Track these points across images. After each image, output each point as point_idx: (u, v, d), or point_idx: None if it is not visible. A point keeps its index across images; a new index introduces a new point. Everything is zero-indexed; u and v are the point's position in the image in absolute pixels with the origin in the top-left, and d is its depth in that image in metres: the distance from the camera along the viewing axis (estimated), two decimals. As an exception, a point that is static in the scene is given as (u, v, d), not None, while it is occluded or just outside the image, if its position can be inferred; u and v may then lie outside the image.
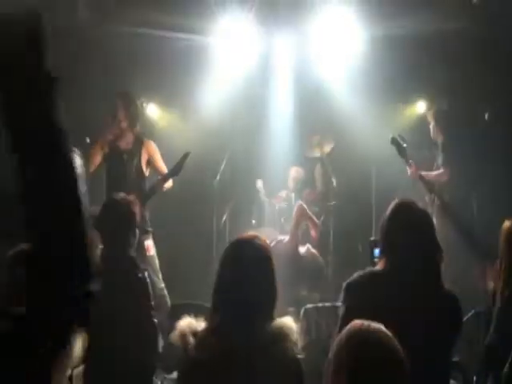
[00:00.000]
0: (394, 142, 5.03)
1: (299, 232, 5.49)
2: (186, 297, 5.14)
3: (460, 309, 2.33)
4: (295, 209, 5.60)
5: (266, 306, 1.99)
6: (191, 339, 1.92)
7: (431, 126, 5.71)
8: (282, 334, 1.93)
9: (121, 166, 4.88)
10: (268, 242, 4.86)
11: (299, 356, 1.96)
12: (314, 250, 5.64)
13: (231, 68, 6.53)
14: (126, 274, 3.04)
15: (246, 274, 1.99)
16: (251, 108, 6.73)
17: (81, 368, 3.12)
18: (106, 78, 6.00)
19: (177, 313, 4.07)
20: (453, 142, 5.48)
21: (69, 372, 2.97)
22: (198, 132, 6.60)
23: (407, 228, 2.30)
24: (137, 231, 3.21)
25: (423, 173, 5.28)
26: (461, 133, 5.57)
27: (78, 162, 1.74)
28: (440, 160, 5.60)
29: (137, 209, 3.24)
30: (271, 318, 1.97)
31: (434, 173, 5.54)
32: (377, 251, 2.61)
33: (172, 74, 6.41)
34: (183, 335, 1.93)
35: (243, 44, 6.32)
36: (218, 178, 6.31)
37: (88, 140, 4.96)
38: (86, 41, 5.73)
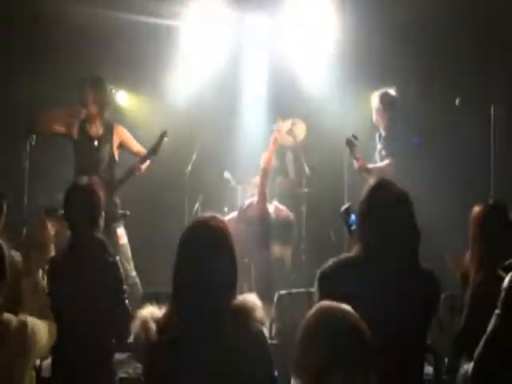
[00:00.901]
0: (349, 143, 5.06)
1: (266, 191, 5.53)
2: (158, 285, 5.08)
3: (437, 288, 2.31)
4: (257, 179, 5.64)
5: (227, 286, 1.97)
6: (153, 325, 1.91)
7: (375, 109, 5.36)
8: (244, 312, 1.93)
9: (92, 153, 4.79)
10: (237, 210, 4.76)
11: (266, 333, 1.97)
12: (282, 207, 5.66)
13: (202, 53, 6.46)
14: (95, 258, 2.97)
15: (203, 256, 1.97)
16: (223, 94, 6.66)
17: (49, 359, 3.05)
18: (73, 64, 5.88)
19: (149, 301, 4.04)
20: (400, 130, 5.26)
21: (37, 363, 2.90)
22: (168, 119, 6.50)
23: (384, 211, 2.24)
24: (103, 214, 3.15)
25: (370, 166, 5.19)
26: (411, 121, 5.47)
27: None
28: (383, 150, 5.33)
29: (102, 191, 3.18)
30: (233, 297, 1.97)
31: (381, 165, 5.26)
32: (353, 217, 2.56)
33: (141, 60, 6.31)
34: (144, 322, 1.91)
35: (214, 28, 6.25)
36: (189, 167, 6.25)
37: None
38: (51, 23, 5.59)
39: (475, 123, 5.06)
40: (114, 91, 6.36)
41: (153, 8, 5.96)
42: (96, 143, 4.81)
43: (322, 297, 2.16)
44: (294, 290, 4.01)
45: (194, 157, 6.26)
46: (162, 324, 1.92)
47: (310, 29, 6.29)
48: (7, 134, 4.43)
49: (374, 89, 6.67)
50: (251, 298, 1.98)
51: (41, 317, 2.51)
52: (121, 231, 4.84)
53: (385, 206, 2.27)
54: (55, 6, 5.71)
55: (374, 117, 5.36)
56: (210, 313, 1.91)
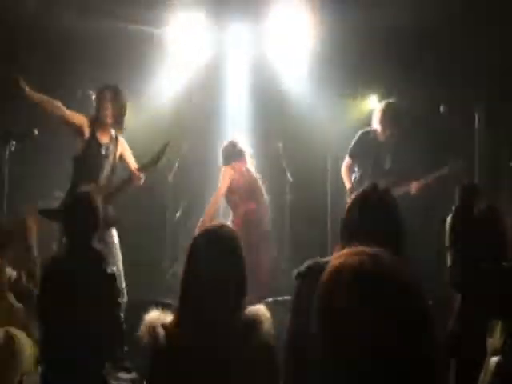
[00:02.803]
0: None
1: None
2: (139, 293, 5.01)
3: (419, 295, 2.25)
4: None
5: (237, 296, 1.96)
6: (161, 330, 1.88)
7: (377, 120, 5.11)
8: (254, 323, 1.91)
9: (97, 160, 4.71)
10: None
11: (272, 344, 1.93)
12: None
13: (185, 60, 6.44)
14: (93, 269, 2.91)
15: (213, 266, 1.94)
16: (206, 101, 6.63)
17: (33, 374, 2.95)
18: (54, 69, 5.82)
19: (134, 309, 3.97)
20: (406, 140, 5.07)
21: (17, 378, 2.80)
22: (151, 125, 6.46)
23: (365, 215, 2.17)
24: (101, 223, 3.14)
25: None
26: (414, 129, 5.39)
27: None
28: (388, 163, 5.11)
29: (99, 201, 3.19)
30: (242, 307, 1.95)
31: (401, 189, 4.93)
32: None
33: (124, 66, 6.25)
34: (153, 327, 1.88)
35: (197, 35, 6.24)
36: (171, 174, 6.20)
37: (36, 132, 4.78)
38: (34, 29, 5.53)
39: (459, 127, 5.08)
40: (93, 96, 6.32)
41: (138, 15, 5.93)
42: (103, 151, 4.73)
43: (296, 297, 2.13)
44: (280, 298, 3.95)
45: (177, 165, 6.22)
46: (170, 330, 1.89)
47: (290, 35, 6.30)
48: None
49: (357, 95, 6.71)
50: (261, 310, 1.96)
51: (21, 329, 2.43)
52: (114, 231, 4.78)
53: (367, 210, 2.22)
54: (42, 13, 5.66)
55: (380, 129, 5.09)
56: (220, 325, 1.89)
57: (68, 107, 4.67)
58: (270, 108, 6.65)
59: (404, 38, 5.85)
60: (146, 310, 2.00)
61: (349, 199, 5.09)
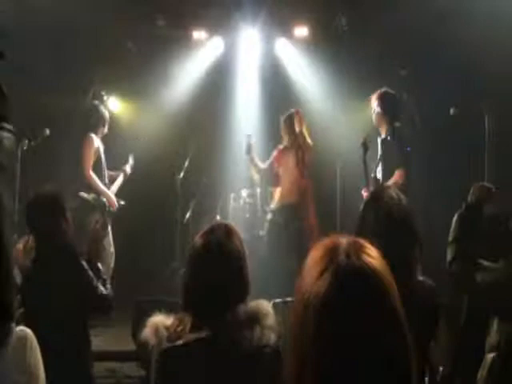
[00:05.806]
0: (364, 145, 4.32)
1: None
2: (149, 293, 5.05)
3: (434, 297, 2.26)
4: None
5: (239, 293, 1.97)
6: (164, 332, 1.91)
7: (375, 113, 4.79)
8: (256, 318, 1.92)
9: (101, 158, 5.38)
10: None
11: (275, 340, 1.93)
12: None
13: (195, 60, 6.47)
14: (61, 266, 2.97)
15: (214, 266, 1.96)
16: (216, 102, 6.66)
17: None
18: (67, 70, 5.87)
19: (143, 308, 4.00)
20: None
21: None
22: (160, 126, 6.50)
23: (381, 218, 2.19)
24: (68, 219, 3.17)
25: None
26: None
27: (8, 140, 1.72)
28: (386, 156, 4.69)
29: (63, 198, 3.28)
30: (244, 303, 1.96)
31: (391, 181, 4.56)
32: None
33: (133, 67, 6.30)
34: (156, 329, 1.91)
35: (208, 36, 6.28)
36: (181, 174, 6.22)
37: (48, 132, 4.85)
38: (44, 30, 5.58)
39: (469, 133, 5.04)
40: (105, 97, 6.38)
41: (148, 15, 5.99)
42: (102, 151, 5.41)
43: None
44: (289, 299, 3.91)
45: (187, 163, 6.24)
46: (172, 331, 1.92)
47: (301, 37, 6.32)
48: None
49: (365, 97, 6.67)
50: (264, 305, 1.97)
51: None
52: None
53: (381, 213, 2.23)
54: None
55: (375, 119, 4.83)
56: (222, 321, 1.91)
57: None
58: (282, 109, 6.65)
59: (414, 38, 5.84)
60: (155, 309, 2.03)
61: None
